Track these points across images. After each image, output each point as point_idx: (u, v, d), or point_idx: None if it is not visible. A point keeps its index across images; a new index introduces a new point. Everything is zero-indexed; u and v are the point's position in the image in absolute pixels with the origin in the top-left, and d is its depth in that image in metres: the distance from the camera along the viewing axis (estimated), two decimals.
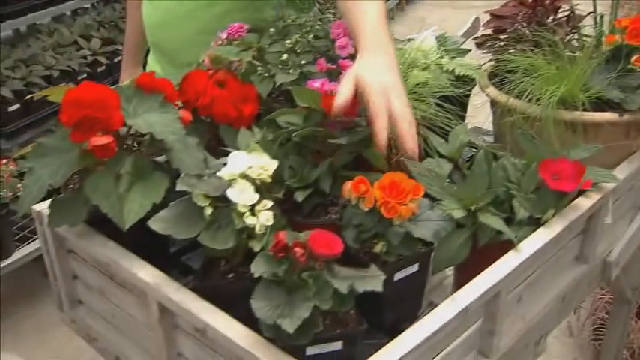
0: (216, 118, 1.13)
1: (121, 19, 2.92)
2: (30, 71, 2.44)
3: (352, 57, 1.24)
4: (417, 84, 1.25)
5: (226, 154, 0.97)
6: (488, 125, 1.44)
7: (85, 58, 2.67)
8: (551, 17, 1.25)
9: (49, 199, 1.03)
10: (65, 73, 2.55)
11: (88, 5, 3.04)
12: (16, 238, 2.30)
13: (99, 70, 2.72)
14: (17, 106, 2.36)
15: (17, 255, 2.24)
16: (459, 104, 1.28)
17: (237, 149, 1.01)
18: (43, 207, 1.09)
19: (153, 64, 1.71)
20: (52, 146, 1.00)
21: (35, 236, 2.37)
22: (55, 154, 1.00)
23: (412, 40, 1.46)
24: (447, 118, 1.21)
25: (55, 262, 1.14)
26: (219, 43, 1.30)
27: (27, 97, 2.39)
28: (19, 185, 2.16)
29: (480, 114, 1.47)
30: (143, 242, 1.01)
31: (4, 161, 2.23)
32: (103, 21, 2.92)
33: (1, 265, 2.20)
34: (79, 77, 2.63)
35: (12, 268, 2.24)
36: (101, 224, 1.07)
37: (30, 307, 2.43)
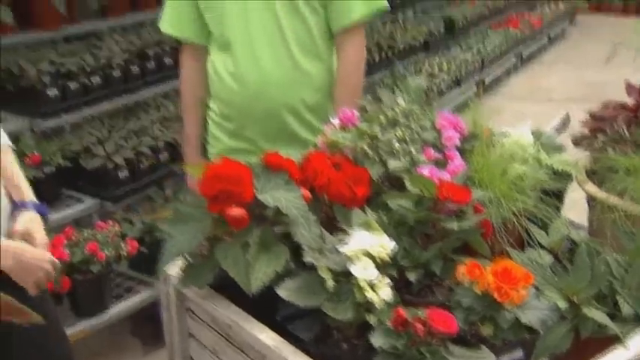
0: (332, 197, 1.21)
1: None
2: (140, 141, 2.63)
3: (457, 148, 1.31)
4: (517, 176, 1.31)
5: (341, 230, 1.05)
6: (579, 219, 1.46)
7: None
8: None
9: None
10: (169, 144, 2.74)
11: None
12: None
13: None
14: (126, 172, 2.53)
15: (112, 311, 2.35)
16: (555, 197, 1.33)
17: (350, 227, 1.09)
18: (171, 267, 1.18)
19: (216, 141, 1.85)
20: (188, 214, 1.10)
21: (129, 294, 2.50)
22: (190, 221, 1.10)
23: (509, 133, 1.52)
24: (546, 212, 1.25)
25: (173, 320, 1.22)
26: (332, 128, 1.40)
27: (135, 165, 2.58)
28: (122, 244, 2.30)
29: (572, 207, 1.50)
30: (252, 307, 1.09)
31: (110, 222, 2.39)
32: None
33: (98, 321, 2.31)
34: (181, 150, 2.80)
35: (106, 324, 2.34)
36: (217, 288, 1.15)
37: None
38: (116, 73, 2.79)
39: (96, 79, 2.70)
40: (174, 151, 2.74)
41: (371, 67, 4.07)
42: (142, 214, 2.64)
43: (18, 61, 2.53)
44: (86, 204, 2.50)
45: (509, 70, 6.60)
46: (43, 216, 1.34)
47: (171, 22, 1.84)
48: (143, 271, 2.53)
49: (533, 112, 5.74)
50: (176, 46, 3.00)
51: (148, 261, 2.33)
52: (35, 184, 1.84)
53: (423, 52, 5.25)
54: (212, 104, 1.86)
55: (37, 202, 1.34)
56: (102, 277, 2.26)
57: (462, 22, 5.91)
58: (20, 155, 2.29)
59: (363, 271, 0.93)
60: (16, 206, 1.31)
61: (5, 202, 1.28)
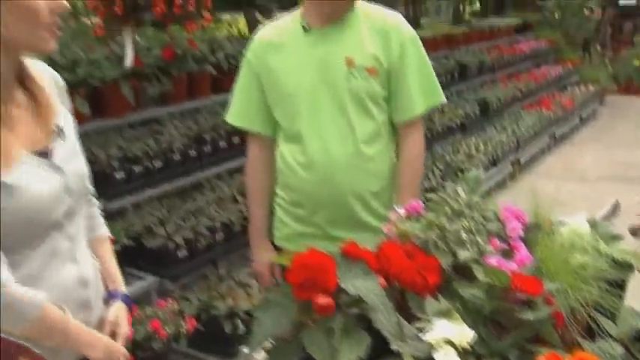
0: (405, 284, 1.26)
1: None
2: (198, 222, 2.74)
3: (521, 239, 1.37)
4: (579, 266, 1.35)
5: (414, 317, 1.10)
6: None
7: (241, 212, 2.95)
8: None
9: None
10: (224, 225, 2.83)
11: (243, 164, 3.39)
12: None
13: None
14: (185, 252, 2.62)
15: None
16: (617, 287, 1.36)
17: (423, 314, 1.14)
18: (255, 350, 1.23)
19: (283, 225, 1.93)
20: (276, 301, 1.17)
21: None
22: (277, 307, 1.16)
23: (564, 222, 1.56)
24: (612, 300, 1.28)
25: None
26: (399, 216, 1.47)
27: (193, 244, 2.67)
28: (182, 322, 2.36)
29: (634, 297, 1.52)
30: None
31: (170, 300, 2.46)
32: None
33: None
34: (235, 229, 2.90)
35: None
36: None
37: None
38: (176, 157, 2.93)
39: (157, 163, 2.84)
40: (229, 231, 2.84)
41: None
42: (197, 291, 2.71)
43: (90, 147, 2.68)
44: (147, 281, 2.58)
45: (543, 149, 6.67)
46: (129, 308, 1.42)
47: (238, 114, 1.95)
48: (200, 349, 2.57)
49: (569, 190, 5.76)
50: (230, 131, 3.16)
51: (205, 338, 2.39)
52: None
53: (460, 134, 5.37)
54: (280, 191, 1.95)
55: (126, 293, 1.42)
56: (163, 355, 2.31)
57: (496, 103, 6.05)
58: None
59: (447, 359, 0.97)
60: (109, 295, 1.38)
61: (101, 289, 1.36)
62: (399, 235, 1.37)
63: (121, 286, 1.42)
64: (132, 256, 2.64)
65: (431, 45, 5.44)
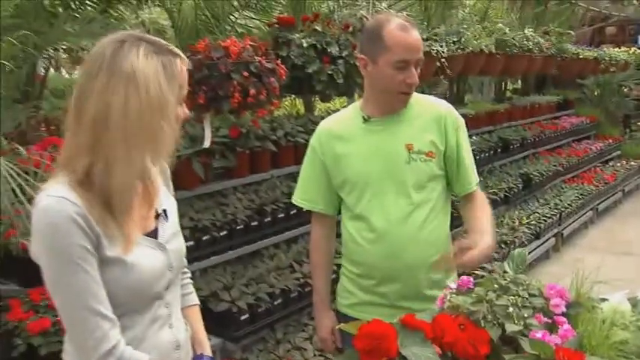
0: (458, 354, 1.38)
1: None
2: (259, 288, 2.89)
3: (564, 314, 1.47)
4: (620, 342, 1.43)
5: None
6: None
7: (297, 279, 3.09)
8: None
9: None
10: (283, 291, 2.97)
11: (299, 234, 3.55)
12: None
13: (306, 289, 3.12)
14: (247, 316, 2.77)
15: None
16: None
17: None
18: None
19: (349, 294, 2.05)
20: None
21: None
22: None
23: (606, 299, 1.65)
24: None
25: None
26: (450, 291, 1.59)
27: (255, 309, 2.81)
28: None
29: None
30: None
31: None
32: None
33: None
34: (292, 295, 3.03)
35: None
36: None
37: None
38: (239, 227, 3.12)
39: (223, 232, 3.03)
40: (287, 297, 2.97)
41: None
42: (257, 353, 2.83)
43: None
44: (211, 342, 2.71)
45: (586, 223, 6.64)
46: None
47: (304, 196, 2.10)
48: None
49: (613, 265, 5.69)
50: (288, 203, 3.34)
51: None
52: None
53: (504, 206, 5.43)
54: (346, 264, 2.08)
55: (211, 356, 1.57)
56: None
57: (539, 178, 6.11)
58: None
59: None
60: (197, 358, 1.52)
61: (190, 352, 1.50)
62: (451, 308, 1.49)
63: (207, 350, 1.56)
64: None
65: (474, 121, 5.59)
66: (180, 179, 3.13)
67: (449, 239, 2.06)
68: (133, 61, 1.27)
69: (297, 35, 3.24)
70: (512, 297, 1.49)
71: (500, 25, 4.95)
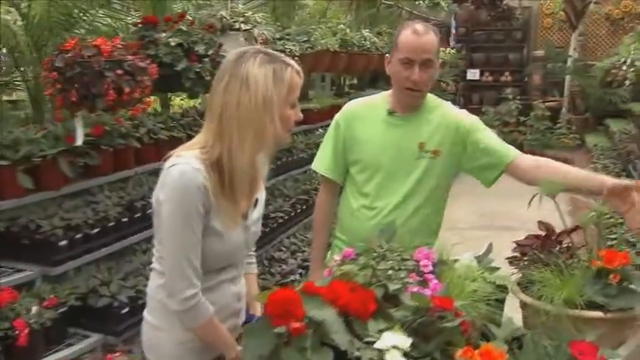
0: (351, 312, 1.59)
1: None
2: (138, 281, 2.91)
3: (432, 272, 1.74)
4: (473, 291, 1.74)
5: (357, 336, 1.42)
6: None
7: None
8: (557, 247, 1.79)
9: None
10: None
11: None
12: None
13: None
14: (127, 309, 2.78)
15: None
16: (499, 303, 1.76)
17: (365, 333, 1.47)
18: None
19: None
20: (258, 329, 1.45)
21: None
22: (260, 334, 1.45)
23: (459, 260, 1.96)
24: (496, 314, 1.68)
25: None
26: (336, 262, 1.81)
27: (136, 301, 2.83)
28: None
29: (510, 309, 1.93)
30: None
31: (118, 354, 2.60)
32: None
33: None
34: None
35: None
36: None
37: None
38: (111, 224, 3.10)
39: (96, 230, 3.00)
40: None
41: None
42: (138, 344, 2.85)
43: (32, 218, 2.80)
44: (93, 339, 2.70)
45: None
46: None
47: (323, 164, 2.33)
48: None
49: (441, 237, 6.29)
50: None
51: None
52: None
53: None
54: (339, 233, 2.32)
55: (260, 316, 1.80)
56: None
57: None
58: (39, 299, 2.52)
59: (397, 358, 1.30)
60: (249, 316, 1.90)
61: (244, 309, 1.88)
62: (342, 275, 1.71)
63: (258, 311, 1.91)
64: (74, 317, 2.75)
65: (320, 115, 5.90)
66: (46, 179, 3.04)
67: (438, 228, 2.35)
68: (249, 67, 1.59)
69: (164, 34, 3.28)
70: (390, 262, 1.74)
71: (342, 25, 5.29)
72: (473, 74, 13.09)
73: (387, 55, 2.28)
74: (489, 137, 2.26)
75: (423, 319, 1.48)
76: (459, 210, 7.36)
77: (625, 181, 1.85)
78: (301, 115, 1.73)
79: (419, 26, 2.20)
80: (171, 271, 1.64)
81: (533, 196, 1.82)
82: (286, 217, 4.49)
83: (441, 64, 10.49)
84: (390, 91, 2.33)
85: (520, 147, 11.34)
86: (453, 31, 12.62)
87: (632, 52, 4.45)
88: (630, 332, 1.65)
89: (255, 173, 1.75)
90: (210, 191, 1.59)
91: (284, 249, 4.39)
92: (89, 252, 2.96)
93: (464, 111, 2.37)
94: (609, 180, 1.88)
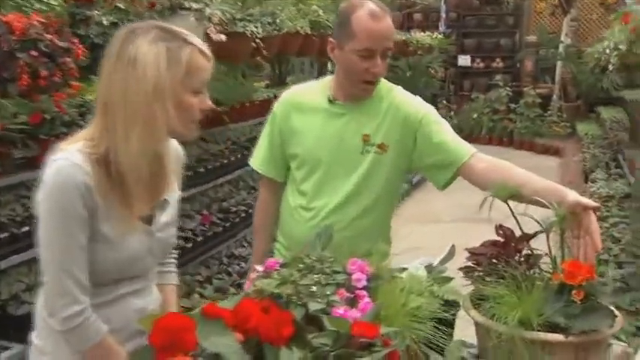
0: (261, 338, 1.33)
1: None
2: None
3: (365, 288, 1.49)
4: (415, 308, 1.49)
5: None
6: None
7: None
8: (516, 257, 1.53)
9: None
10: None
11: None
12: None
13: None
14: None
15: None
16: (448, 324, 1.51)
17: None
18: None
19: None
20: None
21: None
22: None
23: (406, 268, 1.72)
24: (442, 337, 1.43)
25: None
26: (257, 274, 1.55)
27: None
28: None
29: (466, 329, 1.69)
30: None
31: None
32: None
33: None
34: None
35: None
36: None
37: None
38: None
39: (24, 228, 2.73)
40: None
41: None
42: None
43: None
44: (14, 350, 2.45)
45: (402, 195, 7.05)
46: None
47: (261, 161, 2.10)
48: None
49: (422, 233, 6.09)
50: None
51: None
52: None
53: None
54: (280, 236, 2.09)
55: None
56: None
57: None
58: None
59: None
60: None
61: None
62: (257, 292, 1.45)
63: None
64: None
65: None
66: None
67: (389, 231, 2.09)
68: (138, 45, 1.34)
69: (97, 12, 3.00)
70: (316, 275, 1.49)
71: (315, 7, 5.01)
72: (464, 60, 12.80)
73: (332, 40, 1.95)
74: (444, 132, 1.97)
75: (340, 351, 1.23)
76: (440, 202, 7.13)
77: (585, 201, 1.58)
78: (210, 104, 1.46)
79: (372, 6, 1.87)
80: (50, 286, 1.43)
81: (484, 199, 1.58)
82: (249, 211, 4.23)
83: (429, 49, 10.24)
84: (331, 77, 2.04)
85: (510, 135, 11.26)
86: (443, 15, 12.31)
87: (617, 36, 4.19)
88: (595, 358, 1.40)
89: (158, 170, 1.50)
90: (94, 190, 1.38)
91: (246, 245, 4.14)
92: (16, 253, 2.69)
93: (418, 99, 2.06)
94: (571, 196, 1.59)
